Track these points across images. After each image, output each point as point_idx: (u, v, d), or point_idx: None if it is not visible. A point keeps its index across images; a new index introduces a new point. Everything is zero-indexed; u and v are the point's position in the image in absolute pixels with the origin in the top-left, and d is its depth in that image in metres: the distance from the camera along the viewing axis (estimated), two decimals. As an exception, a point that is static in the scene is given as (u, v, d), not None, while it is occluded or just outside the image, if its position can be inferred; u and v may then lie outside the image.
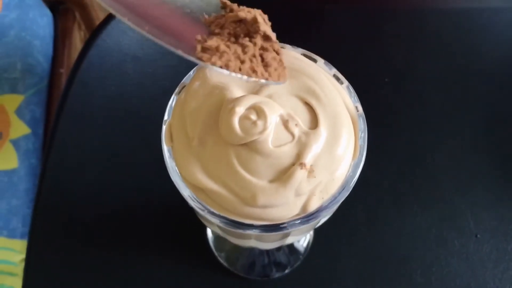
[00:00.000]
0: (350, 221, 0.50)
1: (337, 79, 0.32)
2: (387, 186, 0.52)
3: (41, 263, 0.49)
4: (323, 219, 0.32)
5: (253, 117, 0.27)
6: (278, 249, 0.50)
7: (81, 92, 0.57)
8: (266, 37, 0.26)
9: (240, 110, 0.27)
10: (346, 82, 0.32)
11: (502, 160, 0.53)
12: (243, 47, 0.25)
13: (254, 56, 0.26)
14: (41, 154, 0.73)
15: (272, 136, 0.28)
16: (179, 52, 0.23)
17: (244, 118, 0.27)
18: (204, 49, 0.24)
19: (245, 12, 0.26)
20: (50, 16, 0.84)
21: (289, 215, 0.29)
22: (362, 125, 0.31)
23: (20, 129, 0.73)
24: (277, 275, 0.49)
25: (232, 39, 0.25)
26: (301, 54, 0.33)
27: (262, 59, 0.26)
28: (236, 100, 0.28)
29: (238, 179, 0.28)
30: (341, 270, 0.49)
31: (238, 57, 0.25)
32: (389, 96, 0.57)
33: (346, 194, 0.30)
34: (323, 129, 0.29)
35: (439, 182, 0.52)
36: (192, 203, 0.29)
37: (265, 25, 0.26)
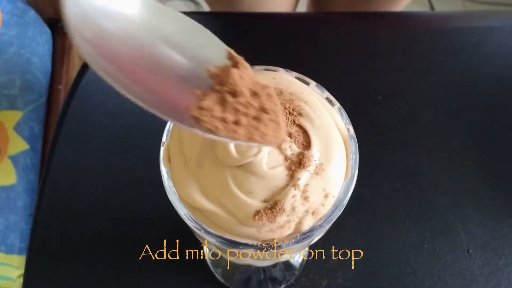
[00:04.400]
0: (344, 237, 0.51)
1: (329, 101, 0.33)
2: (380, 202, 0.53)
3: (40, 279, 0.50)
4: (316, 237, 0.33)
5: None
6: (274, 265, 0.51)
7: (80, 109, 0.58)
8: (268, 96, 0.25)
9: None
10: (337, 104, 0.33)
11: (493, 176, 0.54)
12: (241, 108, 0.23)
13: (251, 118, 0.24)
14: (39, 170, 0.74)
15: (267, 158, 0.29)
16: (172, 120, 0.21)
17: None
18: (200, 111, 0.22)
19: (244, 83, 0.23)
20: (49, 34, 0.85)
21: (283, 235, 0.29)
22: (354, 147, 0.32)
23: (18, 145, 0.74)
24: (272, 290, 0.50)
25: (230, 98, 0.23)
26: (295, 78, 0.34)
27: (259, 120, 0.24)
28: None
29: (234, 199, 0.29)
30: (336, 285, 0.49)
31: (234, 120, 0.23)
32: (381, 113, 0.58)
33: (338, 213, 0.31)
34: (315, 151, 0.30)
35: (431, 198, 0.53)
36: (189, 222, 0.30)
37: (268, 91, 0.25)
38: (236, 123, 0.23)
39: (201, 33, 0.24)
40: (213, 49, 0.25)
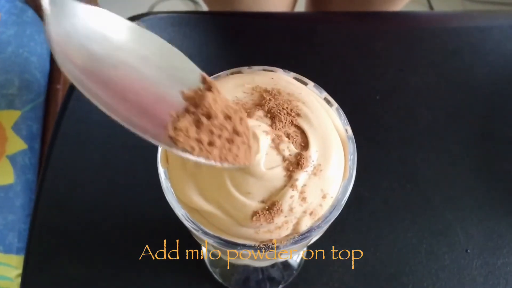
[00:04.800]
0: (342, 236, 0.51)
1: (328, 102, 0.33)
2: (378, 201, 0.53)
3: (38, 279, 0.50)
4: (314, 238, 0.33)
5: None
6: (272, 265, 0.51)
7: (78, 109, 0.58)
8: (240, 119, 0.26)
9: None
10: (335, 105, 0.33)
11: (491, 176, 0.54)
12: (215, 130, 0.24)
13: (224, 140, 0.25)
14: (37, 170, 0.74)
15: (265, 158, 0.29)
16: (149, 139, 0.21)
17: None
18: (175, 130, 0.23)
19: (217, 106, 0.24)
20: (47, 33, 0.85)
21: (281, 235, 0.29)
22: (352, 147, 0.32)
23: (16, 144, 0.74)
24: (271, 290, 0.50)
25: (205, 120, 0.24)
26: (293, 78, 0.34)
27: (232, 142, 0.25)
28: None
29: (231, 200, 0.29)
30: (334, 285, 0.49)
31: (208, 141, 0.24)
32: (380, 113, 0.58)
33: (336, 214, 0.31)
34: (313, 151, 0.30)
35: (429, 198, 0.53)
36: (187, 223, 0.30)
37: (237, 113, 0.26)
38: (210, 144, 0.24)
39: (177, 56, 0.25)
40: (188, 72, 0.25)
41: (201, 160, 0.24)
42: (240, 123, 0.25)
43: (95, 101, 0.20)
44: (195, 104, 0.24)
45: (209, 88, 0.25)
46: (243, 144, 0.26)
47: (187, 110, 0.24)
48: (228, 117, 0.25)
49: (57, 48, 0.19)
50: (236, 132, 0.25)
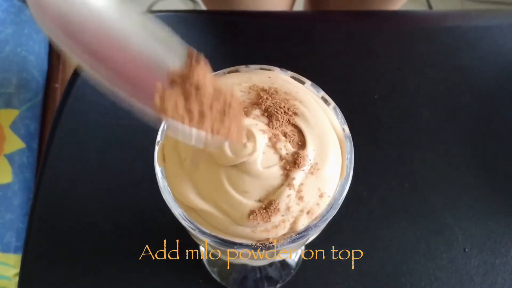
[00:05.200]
0: (340, 236, 0.51)
1: (325, 101, 0.33)
2: (376, 201, 0.53)
3: (35, 278, 0.50)
4: (311, 237, 0.33)
5: (243, 139, 0.28)
6: (270, 264, 0.51)
7: (76, 107, 0.57)
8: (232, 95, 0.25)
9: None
10: (333, 104, 0.33)
11: (489, 175, 0.54)
12: (205, 100, 0.24)
13: (216, 111, 0.24)
14: (35, 169, 0.74)
15: (261, 157, 0.29)
16: (134, 101, 0.21)
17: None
18: (162, 99, 0.22)
19: (207, 80, 0.24)
20: (45, 32, 0.85)
21: (278, 234, 0.29)
22: (349, 146, 0.32)
23: (14, 143, 0.74)
24: (269, 289, 0.50)
25: (194, 91, 0.23)
26: (290, 77, 0.33)
27: (224, 113, 0.25)
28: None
29: (228, 199, 0.29)
30: (332, 285, 0.49)
31: (198, 112, 0.23)
32: (378, 112, 0.58)
33: (333, 213, 0.30)
34: (310, 150, 0.30)
35: (427, 197, 0.53)
36: (184, 222, 0.30)
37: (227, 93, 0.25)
38: (201, 115, 0.23)
39: (163, 31, 0.25)
40: (175, 46, 0.25)
41: (192, 131, 0.23)
42: (231, 97, 0.25)
43: (75, 56, 0.20)
44: (182, 76, 0.23)
45: (197, 61, 0.25)
46: (235, 119, 0.25)
47: (174, 82, 0.23)
48: (218, 90, 0.24)
49: (36, 7, 0.19)
50: (228, 104, 0.25)
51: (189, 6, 1.60)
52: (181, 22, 0.63)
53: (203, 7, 0.79)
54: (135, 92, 0.21)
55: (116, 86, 0.20)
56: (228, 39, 0.64)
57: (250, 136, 0.28)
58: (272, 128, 0.30)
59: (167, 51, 0.24)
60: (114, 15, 0.22)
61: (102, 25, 0.22)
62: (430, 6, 1.57)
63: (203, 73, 0.23)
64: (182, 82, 0.23)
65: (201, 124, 0.23)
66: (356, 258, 0.50)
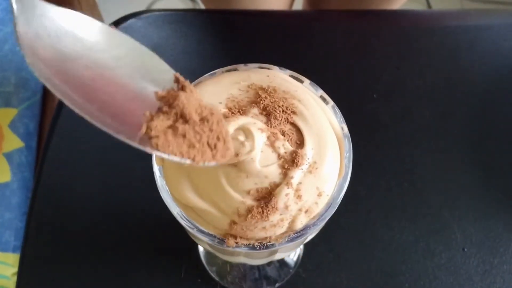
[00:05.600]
0: (339, 235, 0.51)
1: (324, 99, 0.33)
2: (375, 200, 0.53)
3: (34, 277, 0.50)
4: (310, 236, 0.33)
5: (241, 137, 0.28)
6: (269, 263, 0.51)
7: (74, 107, 0.57)
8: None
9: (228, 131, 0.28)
10: (331, 103, 0.33)
11: (488, 175, 0.54)
12: (190, 130, 0.24)
13: (200, 138, 0.24)
14: (34, 168, 0.74)
15: (260, 156, 0.29)
16: (121, 137, 0.21)
17: (232, 138, 0.28)
18: (150, 131, 0.22)
19: (191, 106, 0.24)
20: (44, 31, 0.84)
21: (277, 233, 0.29)
22: (347, 145, 0.32)
23: (13, 142, 0.73)
24: (267, 289, 0.50)
25: (180, 120, 0.23)
26: (289, 76, 0.33)
27: (208, 140, 0.25)
28: (225, 121, 0.28)
29: (226, 198, 0.29)
30: (331, 284, 0.49)
31: (183, 141, 0.23)
32: (377, 111, 0.58)
33: (332, 211, 0.30)
34: (309, 149, 0.30)
35: (426, 197, 0.53)
36: (182, 221, 0.30)
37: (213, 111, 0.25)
38: (187, 143, 0.23)
39: (149, 57, 0.25)
40: (161, 73, 0.25)
41: (176, 158, 0.23)
42: (216, 123, 0.25)
43: (66, 100, 0.20)
44: (168, 104, 0.23)
45: (182, 88, 0.25)
46: (220, 143, 0.25)
47: (160, 110, 0.23)
48: (202, 117, 0.24)
49: (26, 48, 0.19)
50: (210, 130, 0.25)
51: (188, 5, 1.60)
52: (180, 21, 0.63)
53: (202, 6, 0.79)
54: (120, 122, 0.21)
55: (102, 122, 0.21)
56: (227, 38, 0.64)
57: (249, 134, 0.28)
58: (271, 127, 0.30)
59: (154, 78, 0.24)
60: (108, 48, 0.23)
61: (97, 60, 0.22)
62: (429, 6, 1.57)
63: (188, 99, 0.23)
64: (168, 109, 0.23)
65: (188, 151, 0.23)
66: (354, 257, 0.50)
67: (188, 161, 0.23)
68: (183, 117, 0.23)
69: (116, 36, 0.23)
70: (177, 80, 0.25)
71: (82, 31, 0.22)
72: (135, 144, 0.21)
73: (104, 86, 0.22)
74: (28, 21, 0.20)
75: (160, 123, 0.22)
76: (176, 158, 0.23)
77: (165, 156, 0.22)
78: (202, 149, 0.24)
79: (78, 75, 0.21)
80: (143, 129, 0.22)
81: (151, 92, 0.24)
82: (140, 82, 0.24)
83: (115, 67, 0.23)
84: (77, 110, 0.20)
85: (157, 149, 0.22)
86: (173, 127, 0.23)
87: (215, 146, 0.25)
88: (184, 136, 0.23)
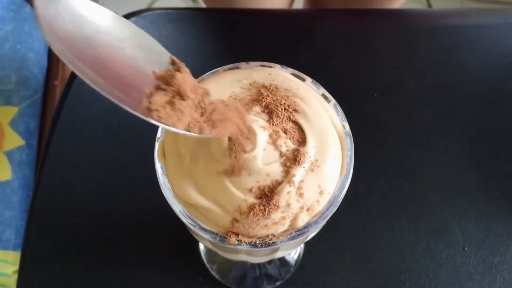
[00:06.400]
0: (340, 234, 0.51)
1: (325, 98, 0.33)
2: (375, 199, 0.53)
3: (35, 275, 0.50)
4: (311, 234, 0.33)
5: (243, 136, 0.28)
6: (269, 261, 0.51)
7: (75, 105, 0.57)
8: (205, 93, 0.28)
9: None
10: (333, 101, 0.33)
11: (488, 174, 0.54)
12: (186, 105, 0.26)
13: (197, 111, 0.27)
14: (34, 166, 0.74)
15: (262, 154, 0.29)
16: (125, 107, 0.23)
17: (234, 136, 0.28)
18: (150, 102, 0.25)
19: (187, 85, 0.26)
20: (45, 29, 0.84)
21: (278, 231, 0.29)
22: (349, 143, 0.32)
23: (14, 140, 0.73)
24: (268, 287, 0.50)
25: (177, 97, 0.26)
26: (291, 74, 0.33)
27: (205, 115, 0.27)
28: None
29: (228, 195, 0.29)
30: (331, 283, 0.49)
31: (182, 114, 0.25)
32: (377, 110, 0.58)
33: (333, 210, 0.30)
34: (311, 147, 0.30)
35: (426, 196, 0.53)
36: (184, 218, 0.30)
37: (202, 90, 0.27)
38: (185, 114, 0.26)
39: (149, 40, 0.28)
40: (159, 55, 0.28)
41: (181, 131, 0.25)
42: (210, 102, 0.27)
43: (79, 73, 0.22)
44: (166, 83, 0.26)
45: (178, 69, 0.27)
46: (215, 112, 0.27)
47: (159, 88, 0.26)
48: (197, 95, 0.27)
49: (45, 28, 0.22)
50: (205, 105, 0.27)
51: (189, 4, 1.60)
52: (181, 20, 0.63)
53: (203, 5, 0.79)
54: (124, 95, 0.24)
55: (109, 93, 0.23)
56: (228, 37, 0.64)
57: (251, 132, 0.28)
58: (273, 125, 0.30)
59: (153, 59, 0.27)
60: (113, 31, 0.26)
61: (104, 41, 0.25)
62: (429, 5, 1.57)
63: (184, 79, 0.26)
64: (165, 87, 0.26)
65: (186, 124, 0.26)
66: (355, 256, 0.50)
67: (187, 132, 0.26)
68: (179, 95, 0.26)
69: (121, 21, 0.26)
70: (173, 62, 0.27)
71: (91, 15, 0.25)
72: (139, 113, 0.24)
73: (110, 64, 0.25)
74: (46, 5, 0.22)
75: (159, 98, 0.25)
76: (176, 130, 0.25)
77: (167, 127, 0.25)
78: (199, 122, 0.26)
79: (88, 52, 0.24)
80: (144, 102, 0.24)
81: (150, 72, 0.26)
82: (141, 62, 0.27)
83: (119, 48, 0.26)
84: (88, 82, 0.22)
85: (159, 120, 0.24)
86: (171, 103, 0.25)
87: (210, 119, 0.27)
88: (181, 110, 0.25)
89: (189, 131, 0.26)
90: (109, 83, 0.24)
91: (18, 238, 0.69)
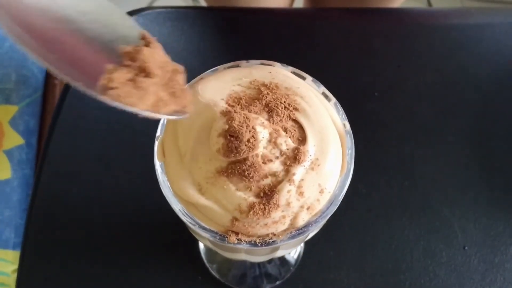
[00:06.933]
0: (340, 233, 0.51)
1: (326, 96, 0.33)
2: (376, 198, 0.52)
3: (34, 274, 0.49)
4: (312, 233, 0.33)
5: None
6: (269, 261, 0.50)
7: (75, 104, 0.57)
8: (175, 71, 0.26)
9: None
10: (334, 100, 0.33)
11: (489, 173, 0.54)
12: (150, 83, 0.24)
13: (162, 89, 0.25)
14: (34, 165, 0.74)
15: (262, 152, 0.29)
16: (79, 85, 0.22)
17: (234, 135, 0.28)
18: (110, 81, 0.23)
19: (155, 61, 0.25)
20: (45, 27, 0.84)
21: (278, 230, 0.29)
22: (350, 142, 0.32)
23: (13, 139, 0.73)
24: (268, 286, 0.50)
25: (142, 74, 0.24)
26: (291, 72, 0.33)
27: (171, 91, 0.25)
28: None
29: (228, 194, 0.29)
30: (331, 282, 0.49)
31: (144, 93, 0.24)
32: (378, 109, 0.58)
33: (334, 209, 0.30)
34: (311, 146, 0.30)
35: (427, 195, 0.53)
36: (183, 217, 0.30)
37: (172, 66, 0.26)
38: (143, 93, 0.24)
39: (117, 13, 0.26)
40: (127, 29, 0.26)
41: (132, 108, 0.24)
42: (177, 77, 0.26)
43: (27, 48, 0.21)
44: (132, 59, 0.24)
45: (148, 44, 0.25)
46: (177, 97, 0.26)
47: (123, 64, 0.24)
48: (165, 72, 0.25)
49: None
50: (171, 86, 0.25)
51: (189, 3, 1.60)
52: (181, 18, 0.63)
53: (203, 3, 0.79)
54: (80, 74, 0.22)
55: (60, 69, 0.21)
56: (228, 35, 0.63)
57: (251, 131, 0.28)
58: (273, 123, 0.30)
59: (121, 34, 0.25)
60: (73, 4, 0.24)
61: (61, 14, 0.23)
62: (430, 4, 1.57)
63: (151, 55, 0.24)
64: (130, 63, 0.24)
65: (147, 103, 0.24)
66: (355, 256, 0.50)
67: (147, 113, 0.24)
68: (144, 71, 0.24)
69: None
70: (143, 37, 0.26)
71: None
72: (92, 92, 0.22)
73: (68, 39, 0.23)
74: None
75: (121, 75, 0.23)
76: (137, 110, 0.23)
77: (126, 107, 0.23)
78: (162, 101, 0.25)
79: (42, 24, 0.22)
80: (103, 80, 0.23)
81: (116, 47, 0.25)
82: (106, 37, 0.25)
83: (79, 21, 0.24)
84: (34, 56, 0.21)
85: (116, 98, 0.23)
86: (134, 80, 0.23)
87: (176, 97, 0.25)
88: (144, 89, 0.24)
89: (153, 112, 0.24)
90: (61, 58, 0.22)
91: (18, 237, 0.69)
